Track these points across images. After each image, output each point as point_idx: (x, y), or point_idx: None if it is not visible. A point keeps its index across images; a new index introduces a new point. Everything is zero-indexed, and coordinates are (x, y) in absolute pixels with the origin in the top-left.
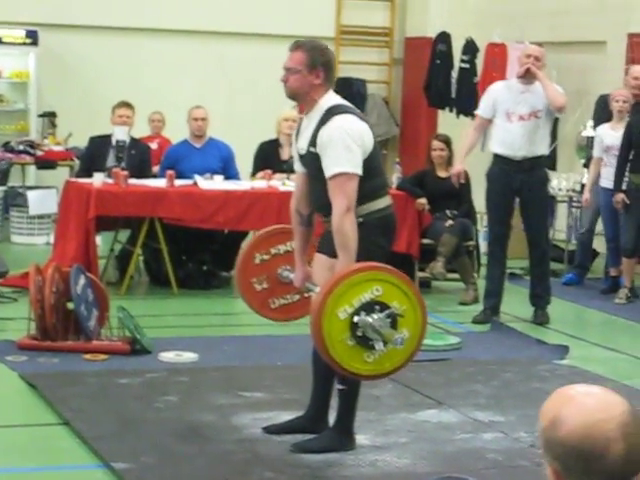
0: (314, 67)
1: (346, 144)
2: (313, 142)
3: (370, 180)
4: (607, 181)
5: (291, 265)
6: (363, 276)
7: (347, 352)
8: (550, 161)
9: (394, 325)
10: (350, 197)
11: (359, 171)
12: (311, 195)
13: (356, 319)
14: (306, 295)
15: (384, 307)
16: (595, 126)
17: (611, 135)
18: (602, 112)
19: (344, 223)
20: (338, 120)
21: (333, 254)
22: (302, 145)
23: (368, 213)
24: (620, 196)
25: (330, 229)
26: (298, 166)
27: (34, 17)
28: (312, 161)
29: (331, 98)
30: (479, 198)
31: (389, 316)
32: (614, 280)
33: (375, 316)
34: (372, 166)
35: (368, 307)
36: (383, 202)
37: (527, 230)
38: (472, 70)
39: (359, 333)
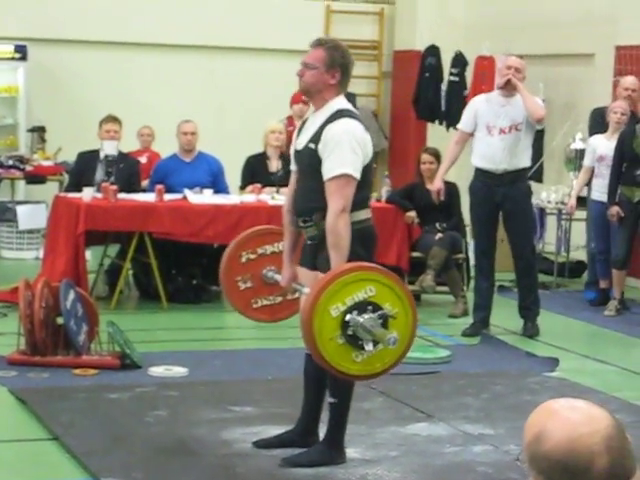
0: (332, 67)
1: (352, 147)
2: (315, 139)
3: (360, 191)
4: (598, 193)
5: (276, 266)
6: (357, 275)
7: (337, 350)
8: (536, 173)
9: (385, 326)
10: (347, 199)
11: (359, 177)
12: (296, 195)
13: (348, 317)
14: (290, 297)
15: (376, 308)
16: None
17: (605, 145)
18: (597, 125)
19: (338, 223)
20: (347, 122)
21: (314, 267)
22: (301, 141)
23: (350, 223)
24: (615, 209)
25: (309, 238)
26: (294, 165)
27: (23, 32)
28: (307, 157)
29: (342, 102)
30: (466, 211)
31: (381, 317)
32: (604, 292)
33: (367, 316)
34: (365, 178)
35: (360, 306)
36: (365, 214)
37: (511, 243)
38: (462, 83)
39: (349, 332)
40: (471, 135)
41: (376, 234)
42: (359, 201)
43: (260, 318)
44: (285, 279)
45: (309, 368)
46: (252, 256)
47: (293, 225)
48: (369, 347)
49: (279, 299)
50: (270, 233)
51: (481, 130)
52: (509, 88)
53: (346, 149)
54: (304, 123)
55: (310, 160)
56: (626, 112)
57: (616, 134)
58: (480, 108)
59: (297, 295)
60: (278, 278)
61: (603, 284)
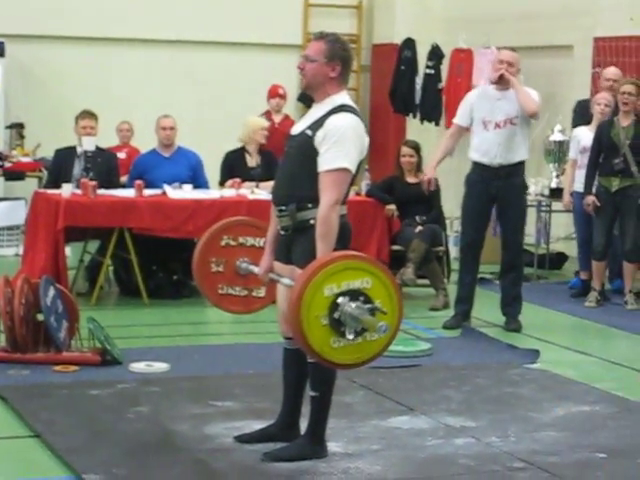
0: (332, 59)
1: (354, 141)
2: (314, 127)
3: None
4: (580, 184)
5: (251, 259)
6: (359, 264)
7: (318, 330)
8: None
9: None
10: (341, 193)
11: (353, 169)
12: (278, 180)
13: (339, 300)
14: (254, 294)
15: (367, 300)
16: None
17: (588, 137)
18: (581, 117)
19: (331, 214)
20: (350, 117)
21: (288, 260)
22: (298, 127)
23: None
24: (590, 198)
25: (283, 228)
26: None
27: (0, 28)
28: (300, 143)
29: (345, 97)
30: (448, 204)
31: (370, 310)
32: (584, 283)
33: (358, 304)
34: (353, 175)
35: (353, 294)
36: (344, 210)
37: (502, 236)
38: (437, 76)
39: (336, 315)
40: (467, 129)
41: (351, 229)
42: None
43: (217, 304)
44: (263, 268)
45: (288, 362)
46: (232, 242)
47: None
48: (350, 336)
49: (244, 292)
50: (255, 227)
51: (477, 125)
52: (503, 83)
53: (349, 143)
54: (304, 115)
55: (302, 146)
56: (610, 104)
57: None
58: (476, 102)
59: (262, 294)
60: (253, 269)
61: (584, 275)
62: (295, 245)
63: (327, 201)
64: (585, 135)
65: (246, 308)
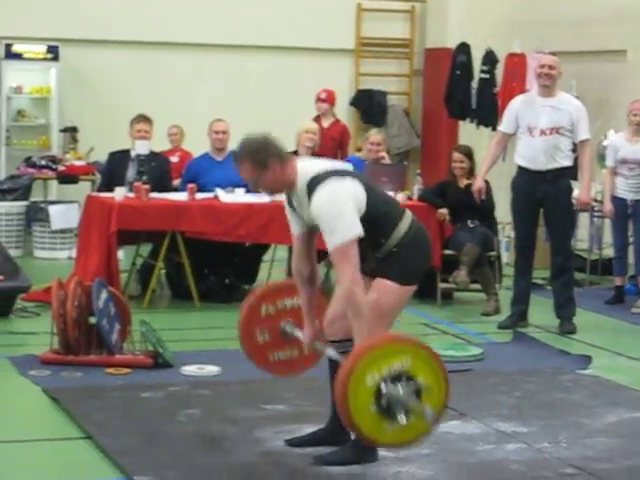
0: (266, 165)
1: (336, 213)
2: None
3: (381, 218)
4: (620, 190)
5: (295, 320)
6: (396, 347)
7: (369, 419)
8: (573, 171)
9: (419, 398)
10: (355, 263)
11: (357, 230)
12: None
13: (383, 387)
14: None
15: (410, 379)
16: None
17: (627, 148)
18: None
19: (354, 289)
20: (320, 193)
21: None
22: (308, 217)
23: (398, 242)
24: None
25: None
26: (295, 229)
27: (55, 32)
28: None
29: (303, 168)
30: (500, 208)
31: (415, 389)
32: (619, 289)
33: (402, 387)
34: (374, 205)
35: (396, 377)
36: (405, 223)
37: (550, 239)
38: (492, 80)
39: (383, 402)
40: (511, 136)
41: (426, 233)
42: (389, 220)
43: (273, 371)
44: (308, 338)
45: (334, 367)
46: (271, 310)
47: (305, 284)
48: (402, 419)
49: (296, 352)
50: (291, 286)
51: (523, 131)
52: (545, 88)
53: (331, 220)
54: (289, 197)
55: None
56: None
57: (637, 136)
58: (520, 109)
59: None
60: (298, 335)
61: (619, 282)
62: (385, 265)
63: (345, 279)
64: (623, 145)
65: (302, 367)
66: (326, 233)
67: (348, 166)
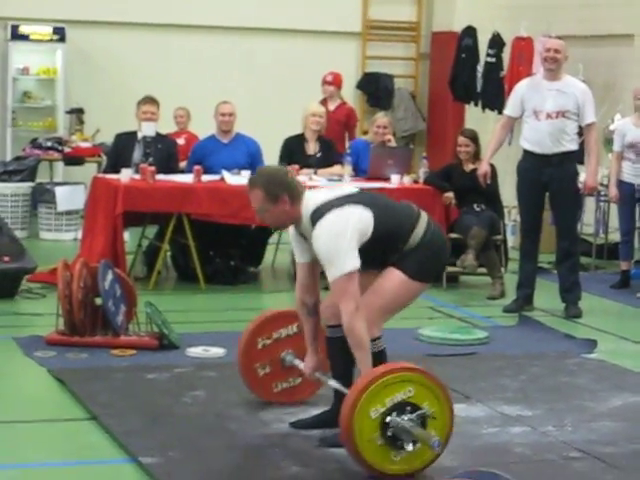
0: (277, 199)
1: (333, 246)
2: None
3: (393, 230)
4: (627, 175)
5: (294, 349)
6: (397, 377)
7: (376, 451)
8: (579, 155)
9: (424, 426)
10: (355, 296)
11: (353, 264)
12: None
13: (388, 419)
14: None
15: (415, 408)
16: None
17: (634, 132)
18: None
19: (355, 324)
20: (319, 226)
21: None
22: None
23: (416, 244)
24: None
25: None
26: (299, 258)
27: (61, 14)
28: None
29: (307, 205)
30: (506, 192)
31: (420, 417)
32: (624, 274)
33: (407, 417)
34: (383, 222)
35: (400, 407)
36: (421, 227)
37: (556, 223)
38: (498, 64)
39: (389, 433)
40: (517, 119)
41: (442, 238)
42: (401, 230)
43: (279, 401)
44: (309, 368)
45: (334, 350)
46: (268, 341)
47: (310, 315)
48: (409, 447)
49: (298, 380)
50: (282, 316)
51: (529, 114)
52: (552, 73)
53: (332, 253)
54: (295, 231)
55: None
56: None
57: None
58: (526, 93)
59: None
60: (298, 364)
61: (624, 266)
62: (400, 259)
63: (347, 312)
64: (630, 129)
65: (308, 392)
66: (325, 266)
67: (351, 190)
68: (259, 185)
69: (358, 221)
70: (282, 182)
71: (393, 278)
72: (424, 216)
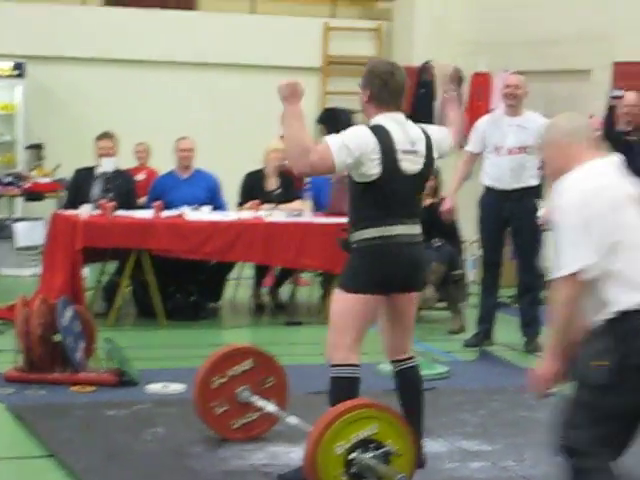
0: (364, 87)
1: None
2: None
3: (371, 208)
4: None
5: (249, 384)
6: (361, 413)
7: None
8: (539, 190)
9: (387, 464)
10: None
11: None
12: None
13: (352, 456)
14: (265, 411)
15: (379, 445)
16: None
17: None
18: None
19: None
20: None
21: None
22: None
23: (358, 242)
24: None
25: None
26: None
27: (21, 49)
28: None
29: (378, 118)
30: (465, 227)
31: (384, 454)
32: None
33: (371, 454)
34: (379, 193)
35: (364, 444)
36: (381, 233)
37: (518, 258)
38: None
39: (354, 470)
40: (479, 155)
41: (392, 253)
42: (368, 218)
43: (238, 437)
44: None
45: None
46: (223, 380)
47: None
48: None
49: (256, 415)
50: (236, 353)
51: (490, 150)
52: (512, 109)
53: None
54: None
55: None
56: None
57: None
58: (487, 129)
59: (273, 409)
60: (255, 401)
61: None
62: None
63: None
64: None
65: (265, 427)
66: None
67: None
68: (365, 70)
69: (361, 145)
70: (374, 78)
71: (334, 297)
72: (399, 231)
